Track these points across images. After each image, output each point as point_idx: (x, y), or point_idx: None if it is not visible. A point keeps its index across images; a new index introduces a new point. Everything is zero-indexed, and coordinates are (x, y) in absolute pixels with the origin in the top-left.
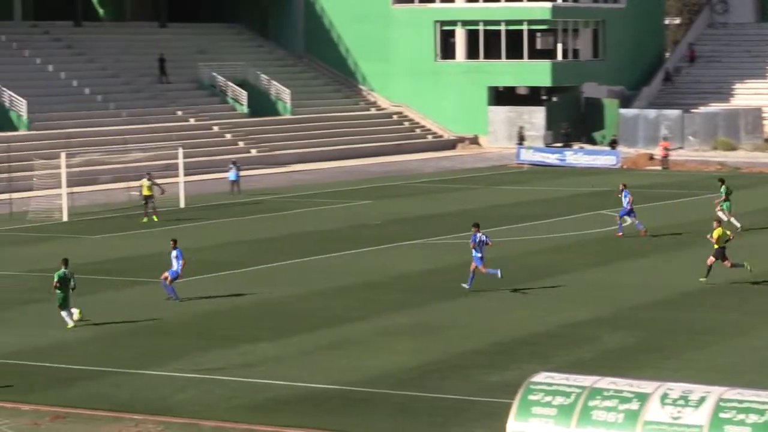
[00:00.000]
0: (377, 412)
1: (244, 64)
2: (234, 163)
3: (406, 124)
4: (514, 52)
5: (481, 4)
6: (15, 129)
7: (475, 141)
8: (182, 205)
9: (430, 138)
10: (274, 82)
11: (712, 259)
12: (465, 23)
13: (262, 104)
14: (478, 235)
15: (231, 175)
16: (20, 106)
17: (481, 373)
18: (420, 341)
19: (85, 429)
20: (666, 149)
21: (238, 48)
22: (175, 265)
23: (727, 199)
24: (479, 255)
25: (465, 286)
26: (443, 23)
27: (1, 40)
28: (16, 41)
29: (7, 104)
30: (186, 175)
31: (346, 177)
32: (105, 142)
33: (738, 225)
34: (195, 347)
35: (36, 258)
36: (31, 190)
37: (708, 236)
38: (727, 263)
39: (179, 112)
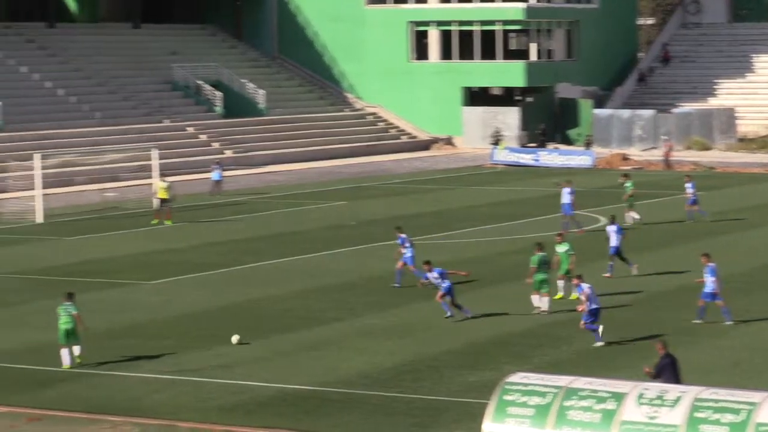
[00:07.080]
0: (354, 413)
1: (217, 65)
2: (218, 163)
3: (381, 124)
4: (488, 53)
5: (454, 5)
6: None
7: (449, 142)
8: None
9: (404, 139)
10: (249, 83)
11: None
12: (439, 24)
13: (237, 105)
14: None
15: (214, 175)
16: None
17: (457, 374)
18: (395, 342)
19: (61, 431)
20: (669, 149)
21: (213, 49)
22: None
23: (632, 195)
24: (410, 255)
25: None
26: (417, 24)
27: None
28: None
29: None
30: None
31: (320, 178)
32: (79, 143)
33: (637, 217)
34: (172, 348)
35: (11, 260)
36: (5, 191)
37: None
38: None
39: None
